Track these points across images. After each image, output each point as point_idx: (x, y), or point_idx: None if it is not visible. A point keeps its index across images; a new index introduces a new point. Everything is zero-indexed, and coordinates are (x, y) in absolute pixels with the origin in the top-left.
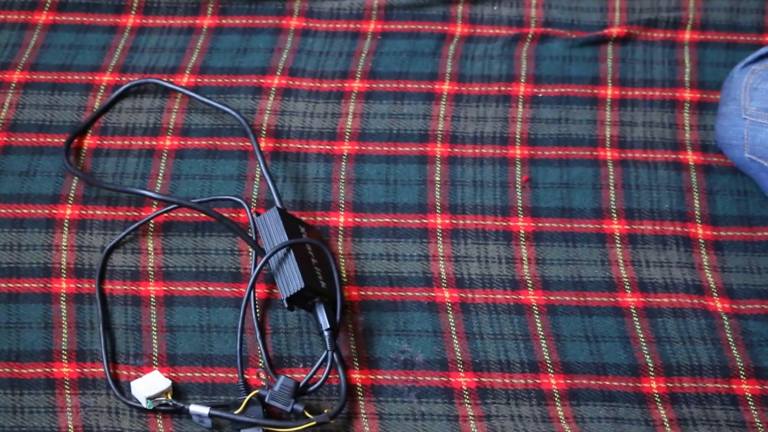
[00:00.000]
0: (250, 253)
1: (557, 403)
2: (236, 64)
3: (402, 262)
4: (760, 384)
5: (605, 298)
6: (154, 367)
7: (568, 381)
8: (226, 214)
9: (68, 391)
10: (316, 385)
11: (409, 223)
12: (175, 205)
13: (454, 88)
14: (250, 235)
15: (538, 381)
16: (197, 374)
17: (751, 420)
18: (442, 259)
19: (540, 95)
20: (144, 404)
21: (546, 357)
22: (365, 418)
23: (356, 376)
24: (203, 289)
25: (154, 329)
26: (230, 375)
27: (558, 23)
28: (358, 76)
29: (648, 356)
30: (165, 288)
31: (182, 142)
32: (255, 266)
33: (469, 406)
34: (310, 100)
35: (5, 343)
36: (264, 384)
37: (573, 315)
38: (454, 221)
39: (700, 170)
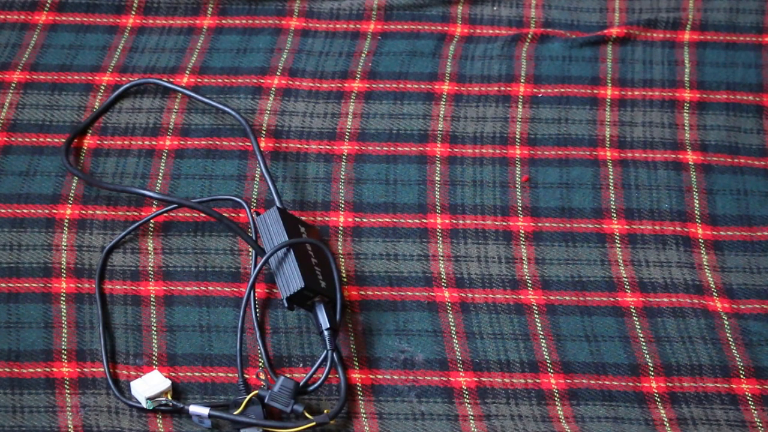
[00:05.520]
0: (250, 253)
1: (557, 403)
2: (236, 64)
3: (402, 262)
4: (760, 384)
5: (605, 297)
6: (154, 366)
7: (568, 381)
8: (226, 214)
9: (68, 391)
10: (315, 385)
11: (409, 223)
12: (175, 205)
13: (454, 88)
14: (250, 234)
15: (537, 381)
16: (197, 374)
17: (751, 420)
18: (442, 258)
19: (540, 95)
20: (144, 404)
21: (546, 357)
22: (365, 418)
23: (356, 375)
24: (203, 288)
25: (154, 329)
26: (230, 375)
27: (558, 24)
28: (358, 76)
29: (648, 356)
30: (165, 288)
31: (182, 142)
32: (255, 266)
33: (469, 405)
34: (310, 100)
35: (5, 343)
36: (264, 384)
37: (573, 315)
38: (454, 221)
39: (700, 170)
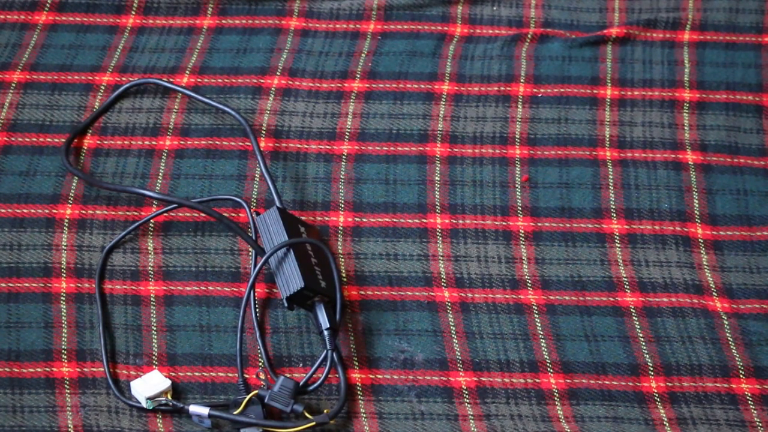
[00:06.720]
0: (250, 253)
1: (557, 403)
2: (236, 64)
3: (402, 262)
4: (759, 383)
5: (605, 297)
6: (154, 366)
7: (568, 380)
8: (226, 214)
9: (68, 391)
10: (315, 385)
11: (408, 222)
12: (175, 205)
13: (454, 88)
14: (250, 234)
15: (537, 380)
16: (197, 374)
17: (751, 419)
18: (441, 258)
19: (539, 95)
20: (144, 404)
21: (545, 356)
22: (365, 418)
23: (356, 375)
24: (203, 288)
25: (154, 329)
26: (230, 375)
27: (557, 23)
28: (358, 76)
29: (647, 356)
30: (165, 288)
31: (182, 142)
32: (255, 266)
33: (469, 405)
34: (309, 100)
35: (5, 343)
36: (264, 384)
37: (572, 314)
38: (454, 221)
39: (700, 170)
